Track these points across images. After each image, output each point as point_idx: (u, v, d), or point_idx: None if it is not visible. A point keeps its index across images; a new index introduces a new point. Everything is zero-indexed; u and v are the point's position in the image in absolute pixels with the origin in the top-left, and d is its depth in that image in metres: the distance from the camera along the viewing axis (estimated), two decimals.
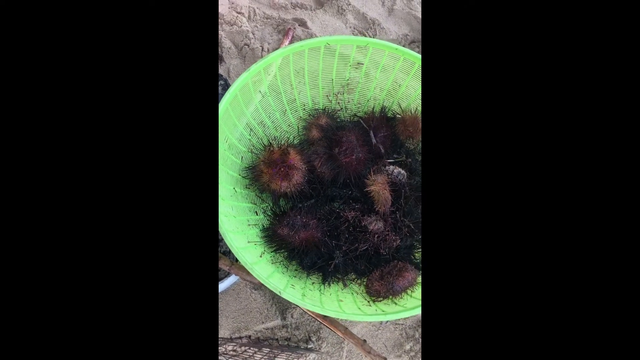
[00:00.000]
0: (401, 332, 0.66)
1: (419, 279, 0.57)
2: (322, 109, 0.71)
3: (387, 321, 0.66)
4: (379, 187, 0.61)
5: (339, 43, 0.63)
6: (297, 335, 0.62)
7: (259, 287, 0.66)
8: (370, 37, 0.87)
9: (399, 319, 0.66)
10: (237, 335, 0.61)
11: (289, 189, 0.62)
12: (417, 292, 0.55)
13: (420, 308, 0.49)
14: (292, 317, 0.63)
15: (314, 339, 0.62)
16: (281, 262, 0.60)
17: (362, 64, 0.67)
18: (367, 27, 0.87)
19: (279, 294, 0.47)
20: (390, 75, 0.68)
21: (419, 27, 0.88)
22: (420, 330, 0.65)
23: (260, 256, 0.57)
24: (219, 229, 0.50)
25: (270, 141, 0.63)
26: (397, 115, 0.68)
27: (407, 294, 0.55)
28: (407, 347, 0.65)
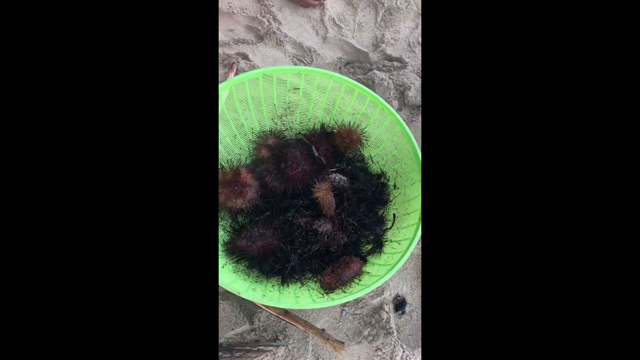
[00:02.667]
0: (359, 320, 0.73)
1: (365, 269, 0.65)
2: (269, 131, 0.80)
3: (346, 313, 0.74)
4: (323, 193, 0.69)
5: (275, 73, 0.72)
6: (265, 336, 0.68)
7: (227, 297, 0.72)
8: (307, 63, 0.97)
9: (356, 310, 0.74)
10: None
11: (244, 205, 0.69)
12: (363, 280, 0.63)
13: (365, 290, 0.57)
14: (259, 320, 0.69)
15: (281, 337, 0.68)
16: (242, 271, 0.66)
17: (299, 88, 0.76)
18: (304, 54, 0.97)
19: (238, 294, 0.53)
20: (324, 96, 0.77)
21: (351, 50, 1.00)
22: (375, 316, 0.73)
23: (222, 267, 0.63)
24: None
25: (223, 164, 0.70)
26: (334, 130, 0.78)
27: (355, 282, 0.63)
28: (365, 332, 0.72)
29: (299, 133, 0.81)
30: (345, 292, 0.61)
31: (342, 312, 0.73)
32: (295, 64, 0.96)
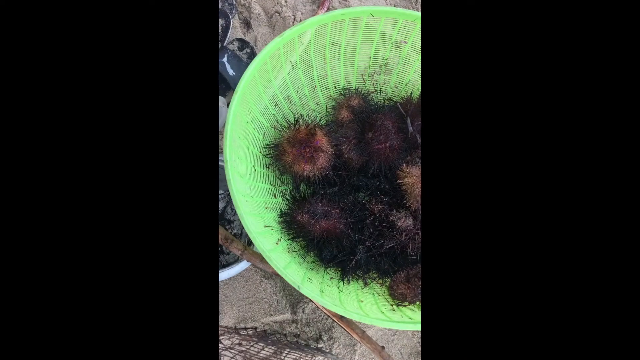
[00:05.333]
0: (419, 339, 0.60)
1: None
2: (354, 89, 0.65)
3: None
4: (413, 180, 0.55)
5: (384, 15, 0.56)
6: (307, 332, 0.57)
7: (270, 275, 0.61)
8: None
9: None
10: (242, 325, 0.57)
11: (312, 173, 0.56)
12: None
13: None
14: (303, 312, 0.58)
15: (325, 338, 0.57)
16: (298, 252, 0.54)
17: (406, 42, 0.60)
18: (410, 4, 0.80)
19: (297, 288, 0.41)
20: None
21: None
22: None
23: (277, 243, 0.52)
24: (237, 210, 0.45)
25: (298, 118, 0.57)
26: None
27: None
28: None
29: (390, 99, 0.66)
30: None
31: None
32: None
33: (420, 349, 0.60)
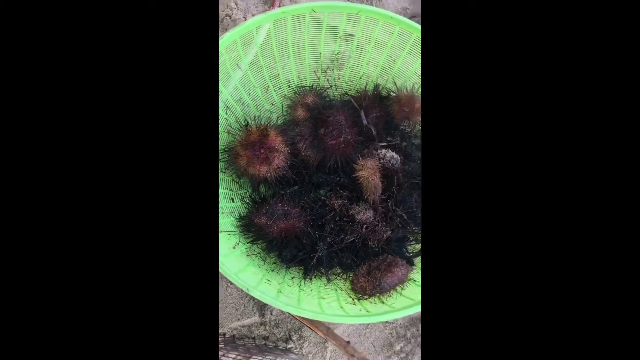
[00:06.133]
0: (391, 331, 0.60)
1: (411, 276, 0.51)
2: (308, 86, 0.64)
3: None
4: (368, 172, 0.54)
5: (327, 10, 0.56)
6: (276, 333, 0.57)
7: None
8: None
9: None
10: None
11: (269, 174, 0.56)
12: (408, 289, 0.50)
13: (411, 309, 0.43)
14: (271, 313, 0.58)
15: (294, 337, 0.57)
16: (258, 255, 0.54)
17: (354, 35, 0.60)
18: None
19: (247, 291, 0.41)
20: (385, 50, 0.61)
21: (420, 0, 0.81)
22: (411, 330, 0.60)
23: (234, 247, 0.51)
24: None
25: (248, 120, 0.56)
26: (392, 94, 0.61)
27: (397, 291, 0.49)
28: (398, 347, 0.59)
29: (346, 94, 0.66)
30: (383, 302, 0.48)
31: None
32: None
33: (392, 340, 0.60)
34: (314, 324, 0.51)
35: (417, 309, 0.43)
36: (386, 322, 0.61)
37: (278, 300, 0.42)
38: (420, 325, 0.60)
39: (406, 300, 0.46)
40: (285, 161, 0.57)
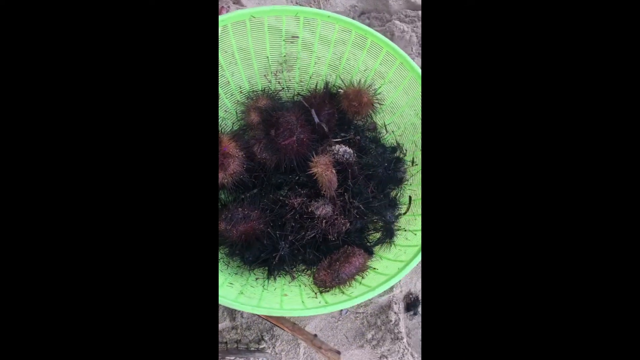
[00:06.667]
0: (362, 321, 0.62)
1: (370, 263, 0.53)
2: (260, 91, 0.66)
3: (346, 311, 0.62)
4: (321, 168, 0.56)
5: (266, 15, 0.57)
6: (248, 336, 0.58)
7: None
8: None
9: (358, 308, 0.62)
10: None
11: (225, 180, 0.57)
12: (367, 278, 0.51)
13: (367, 294, 0.45)
14: (242, 317, 0.59)
15: (266, 337, 0.57)
16: (221, 260, 0.55)
17: (297, 37, 0.61)
18: (311, 0, 0.81)
19: None
20: (330, 48, 0.62)
21: None
22: (381, 317, 0.61)
23: None
24: None
25: None
26: (340, 90, 0.63)
27: (356, 280, 0.50)
28: (369, 335, 0.61)
29: (298, 94, 0.67)
30: (343, 292, 0.49)
31: (341, 310, 0.61)
32: None
33: (363, 329, 0.61)
34: (280, 321, 0.51)
35: (373, 294, 0.44)
36: (357, 312, 0.62)
37: (236, 302, 0.43)
38: (391, 313, 0.61)
39: (364, 288, 0.47)
40: (241, 166, 0.58)
